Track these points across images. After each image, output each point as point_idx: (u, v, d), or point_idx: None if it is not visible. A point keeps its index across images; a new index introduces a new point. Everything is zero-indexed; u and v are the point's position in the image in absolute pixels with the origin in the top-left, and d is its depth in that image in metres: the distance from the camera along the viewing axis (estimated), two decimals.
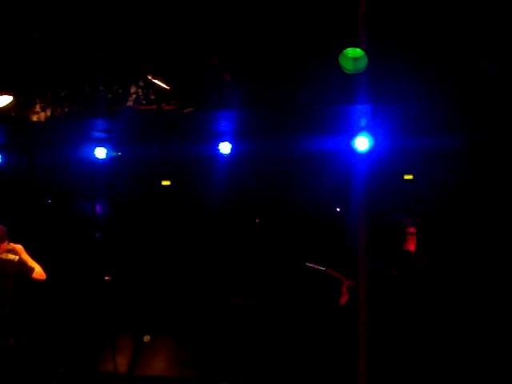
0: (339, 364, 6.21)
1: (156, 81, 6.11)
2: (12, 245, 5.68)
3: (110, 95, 6.22)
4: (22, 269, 5.61)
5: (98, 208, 7.60)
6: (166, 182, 7.69)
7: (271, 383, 6.55)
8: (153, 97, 6.24)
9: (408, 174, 7.24)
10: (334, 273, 4.35)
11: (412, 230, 4.10)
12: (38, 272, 5.63)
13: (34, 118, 6.30)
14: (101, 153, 7.06)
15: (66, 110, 6.25)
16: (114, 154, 7.14)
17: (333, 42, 5.69)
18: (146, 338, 6.74)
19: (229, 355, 6.67)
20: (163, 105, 6.23)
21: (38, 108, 6.28)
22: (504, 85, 5.60)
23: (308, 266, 4.47)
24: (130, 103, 6.24)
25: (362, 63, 5.53)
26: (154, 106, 6.24)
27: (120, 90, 6.25)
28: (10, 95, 6.04)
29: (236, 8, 5.84)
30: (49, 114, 6.28)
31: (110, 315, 6.95)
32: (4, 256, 5.57)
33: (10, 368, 5.59)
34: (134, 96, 6.25)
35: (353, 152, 6.72)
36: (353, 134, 6.65)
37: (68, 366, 6.65)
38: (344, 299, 4.20)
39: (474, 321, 6.11)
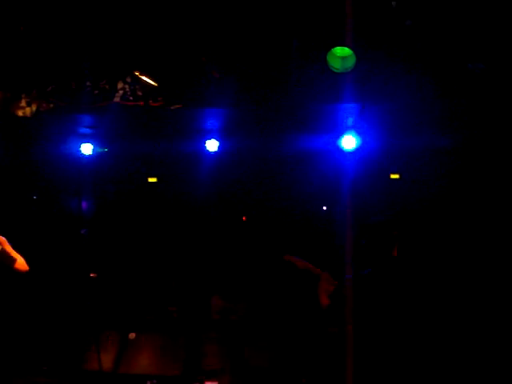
0: (327, 365, 6.22)
1: (143, 77, 6.09)
2: None
3: (96, 91, 6.18)
4: (4, 259, 5.48)
5: (84, 204, 7.56)
6: (152, 179, 7.66)
7: (257, 380, 6.56)
8: (140, 93, 6.21)
9: (395, 173, 7.27)
10: (311, 267, 4.28)
11: (396, 233, 4.09)
12: (21, 263, 5.47)
13: (20, 114, 6.24)
14: (87, 149, 7.01)
15: (52, 105, 6.20)
16: (101, 150, 7.10)
17: (320, 40, 5.71)
18: (131, 336, 6.71)
19: (214, 352, 6.68)
20: (150, 101, 6.21)
21: (23, 103, 6.23)
22: (491, 85, 5.64)
23: (287, 259, 4.39)
24: (116, 99, 6.21)
25: (350, 62, 5.54)
26: (141, 103, 6.21)
27: (107, 86, 6.21)
28: None
29: (224, 6, 5.83)
30: (34, 109, 6.23)
31: (95, 312, 6.91)
32: None
33: None
34: (120, 92, 6.22)
35: (340, 151, 6.73)
36: (340, 133, 6.66)
37: (52, 364, 6.60)
38: (324, 299, 4.12)
39: (460, 323, 6.13)
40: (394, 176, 7.29)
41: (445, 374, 5.26)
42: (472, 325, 6.16)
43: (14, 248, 5.71)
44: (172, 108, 6.19)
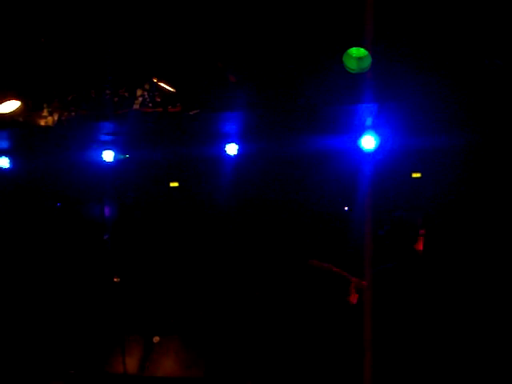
0: (348, 364, 6.20)
1: (161, 84, 6.17)
2: None
3: (116, 99, 6.28)
4: None
5: (107, 210, 7.66)
6: (174, 184, 7.72)
7: (280, 380, 6.57)
8: (159, 99, 6.29)
9: (416, 172, 7.22)
10: (338, 270, 4.33)
11: (423, 231, 4.09)
12: None
13: (42, 123, 6.37)
14: (108, 156, 7.11)
15: (73, 114, 6.32)
16: (122, 156, 7.19)
17: (338, 41, 5.71)
18: (156, 339, 6.79)
19: (238, 355, 6.70)
20: (169, 107, 6.28)
21: (45, 113, 6.36)
22: (509, 81, 5.58)
23: (312, 264, 4.44)
24: (136, 106, 6.29)
25: (366, 63, 5.55)
26: (160, 109, 6.28)
27: (126, 94, 6.31)
28: (18, 100, 6.12)
29: (240, 10, 5.87)
30: (56, 118, 6.36)
31: (119, 317, 7.00)
32: None
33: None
34: (140, 99, 6.31)
35: (360, 151, 6.72)
36: (359, 133, 6.65)
37: (78, 367, 6.71)
38: (355, 297, 4.17)
39: (481, 319, 6.06)
40: (416, 175, 7.24)
41: (464, 368, 5.20)
42: (491, 320, 6.08)
43: (41, 255, 5.79)
44: (190, 113, 6.25)
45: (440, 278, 4.11)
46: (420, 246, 4.12)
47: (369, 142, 6.60)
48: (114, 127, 6.60)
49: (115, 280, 6.96)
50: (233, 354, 6.71)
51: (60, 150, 7.11)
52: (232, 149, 7.00)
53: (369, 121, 6.58)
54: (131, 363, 6.59)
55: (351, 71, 5.62)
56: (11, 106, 6.09)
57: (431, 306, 3.97)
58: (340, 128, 6.66)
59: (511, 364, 5.74)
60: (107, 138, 6.87)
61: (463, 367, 5.16)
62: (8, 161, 7.29)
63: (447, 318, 3.99)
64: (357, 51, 5.56)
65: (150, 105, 6.29)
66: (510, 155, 6.50)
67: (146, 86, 6.26)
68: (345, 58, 5.59)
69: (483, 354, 5.73)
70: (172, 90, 6.18)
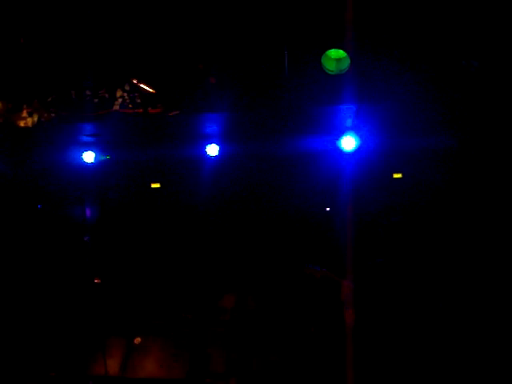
0: (335, 366, 6.23)
1: (141, 85, 6.17)
2: None
3: (96, 100, 6.26)
4: None
5: (88, 212, 7.63)
6: (155, 185, 7.69)
7: (263, 382, 6.59)
8: (139, 100, 6.28)
9: (396, 172, 7.28)
10: (330, 275, 4.32)
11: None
12: None
13: (22, 124, 6.34)
14: (89, 157, 7.08)
15: (53, 115, 6.29)
16: (103, 157, 7.17)
17: (318, 43, 5.75)
18: (137, 340, 6.78)
19: (219, 355, 6.72)
20: (149, 108, 6.28)
21: (25, 114, 6.32)
22: (487, 84, 5.65)
23: (307, 271, 4.40)
24: (116, 107, 6.28)
25: (345, 64, 5.60)
26: (140, 110, 6.28)
27: (106, 95, 6.29)
28: None
29: (220, 12, 5.89)
30: (36, 119, 6.32)
31: (100, 318, 6.98)
32: None
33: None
34: (120, 100, 6.30)
35: (340, 152, 6.76)
36: (339, 134, 6.69)
37: (59, 370, 6.67)
38: (349, 313, 4.11)
39: (461, 316, 6.13)
40: (397, 175, 7.30)
41: (449, 366, 5.24)
42: (471, 315, 6.15)
43: (23, 256, 5.75)
44: (170, 114, 6.25)
45: (425, 276, 4.14)
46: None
47: (349, 143, 6.64)
48: (95, 128, 6.58)
49: (96, 281, 6.93)
50: (215, 353, 6.72)
51: (40, 151, 7.07)
52: (213, 150, 7.01)
53: (349, 122, 6.62)
54: (112, 364, 6.57)
55: (330, 73, 5.67)
56: None
57: (420, 305, 4.01)
58: (320, 129, 6.70)
59: (500, 362, 5.82)
60: (88, 139, 6.85)
61: (451, 364, 5.20)
62: None
63: (435, 315, 4.03)
64: (336, 53, 5.61)
65: (131, 106, 6.28)
66: (489, 154, 6.57)
67: (126, 87, 6.26)
68: (324, 60, 5.64)
69: (470, 348, 5.79)
70: (152, 90, 6.18)
